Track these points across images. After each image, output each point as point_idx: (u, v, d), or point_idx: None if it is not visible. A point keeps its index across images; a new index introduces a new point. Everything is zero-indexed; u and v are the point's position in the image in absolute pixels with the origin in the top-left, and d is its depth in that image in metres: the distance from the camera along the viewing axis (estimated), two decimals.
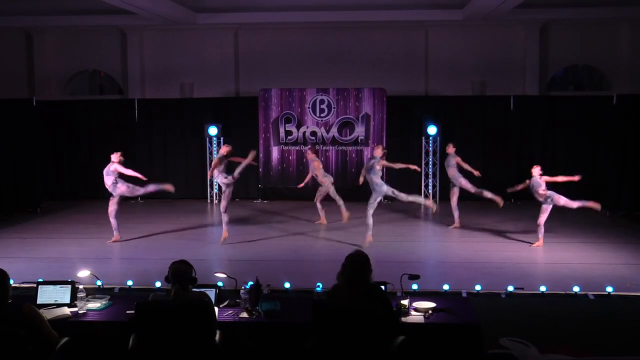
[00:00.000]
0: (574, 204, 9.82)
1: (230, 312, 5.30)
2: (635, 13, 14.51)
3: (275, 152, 14.71)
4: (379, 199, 9.96)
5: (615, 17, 14.86)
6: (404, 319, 5.10)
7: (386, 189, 9.73)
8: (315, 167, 11.60)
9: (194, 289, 4.84)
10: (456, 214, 11.55)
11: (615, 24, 15.29)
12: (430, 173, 14.49)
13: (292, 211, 13.26)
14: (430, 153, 14.46)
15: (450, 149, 11.44)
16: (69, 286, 5.49)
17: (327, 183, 11.64)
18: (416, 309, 5.24)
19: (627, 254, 9.65)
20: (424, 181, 14.41)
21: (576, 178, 9.79)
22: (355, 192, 14.54)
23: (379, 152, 10.00)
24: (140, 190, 10.43)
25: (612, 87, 15.31)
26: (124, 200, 10.61)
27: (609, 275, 8.36)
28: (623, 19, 15.11)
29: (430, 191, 14.38)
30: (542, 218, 9.94)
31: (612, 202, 13.04)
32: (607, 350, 5.92)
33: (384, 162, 9.88)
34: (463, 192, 11.44)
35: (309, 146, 13.33)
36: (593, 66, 15.91)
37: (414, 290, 7.14)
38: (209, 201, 14.97)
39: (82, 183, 15.05)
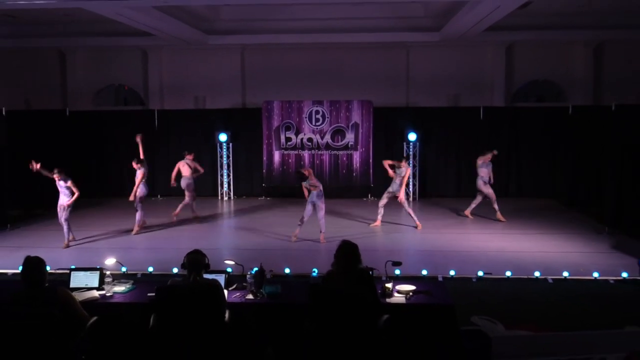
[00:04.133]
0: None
1: (238, 294, 5.31)
2: (587, 36, 14.65)
3: (276, 156, 14.68)
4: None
5: (570, 39, 14.94)
6: (388, 300, 5.12)
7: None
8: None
9: (206, 275, 4.85)
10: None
11: (571, 45, 15.35)
12: (410, 174, 14.48)
13: (291, 206, 13.24)
14: (411, 156, 14.48)
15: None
16: (98, 272, 5.50)
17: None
18: (398, 291, 5.26)
19: (580, 243, 9.70)
20: None
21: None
22: (347, 190, 14.69)
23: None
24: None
25: (568, 99, 15.34)
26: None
27: (566, 261, 8.41)
28: (577, 42, 15.20)
29: (410, 190, 14.37)
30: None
31: (568, 199, 13.07)
32: (564, 326, 5.95)
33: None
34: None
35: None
36: (552, 81, 15.94)
37: (397, 275, 7.15)
38: (219, 198, 14.95)
39: (108, 182, 14.99)
